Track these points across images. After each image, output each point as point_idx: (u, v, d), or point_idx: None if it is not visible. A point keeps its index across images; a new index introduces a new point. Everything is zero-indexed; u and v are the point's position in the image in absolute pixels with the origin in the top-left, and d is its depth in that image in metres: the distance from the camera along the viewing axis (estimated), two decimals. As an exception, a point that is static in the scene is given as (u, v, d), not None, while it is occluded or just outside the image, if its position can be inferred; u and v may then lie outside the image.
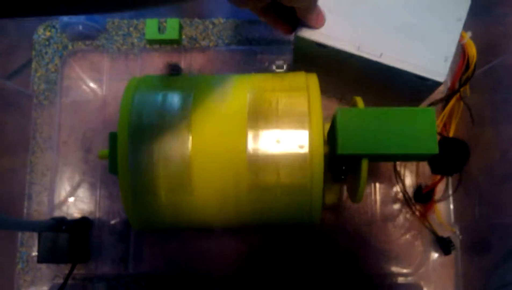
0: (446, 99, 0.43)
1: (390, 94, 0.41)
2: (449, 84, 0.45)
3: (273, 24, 0.36)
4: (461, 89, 0.42)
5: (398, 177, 0.46)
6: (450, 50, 0.36)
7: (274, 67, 0.39)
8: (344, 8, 0.37)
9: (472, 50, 0.40)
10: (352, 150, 0.32)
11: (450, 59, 0.35)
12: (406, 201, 0.45)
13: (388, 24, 0.36)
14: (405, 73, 0.35)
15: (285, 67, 0.39)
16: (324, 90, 0.47)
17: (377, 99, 0.41)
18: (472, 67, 0.41)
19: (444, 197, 0.46)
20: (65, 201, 0.47)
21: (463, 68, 0.41)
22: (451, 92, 0.43)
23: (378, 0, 0.37)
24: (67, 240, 0.42)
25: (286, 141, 0.34)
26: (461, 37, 0.37)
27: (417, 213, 0.45)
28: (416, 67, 0.35)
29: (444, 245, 0.44)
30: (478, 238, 0.43)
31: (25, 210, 0.47)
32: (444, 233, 0.45)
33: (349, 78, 0.41)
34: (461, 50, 0.41)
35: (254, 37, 0.50)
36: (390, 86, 0.39)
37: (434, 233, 0.45)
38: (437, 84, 0.35)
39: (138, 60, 0.50)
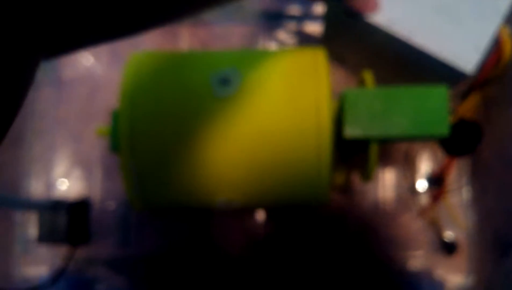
0: (465, 93, 0.41)
1: (412, 79, 0.39)
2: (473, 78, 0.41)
3: None
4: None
5: (408, 165, 0.45)
6: (484, 42, 0.33)
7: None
8: None
9: (507, 48, 0.37)
10: (360, 133, 0.31)
11: (482, 51, 0.33)
12: (411, 191, 0.45)
13: (424, 4, 0.34)
14: (431, 58, 0.33)
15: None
16: (346, 66, 0.46)
17: (396, 82, 0.39)
18: (502, 66, 0.37)
19: (457, 186, 0.45)
20: (63, 180, 0.46)
21: (493, 65, 0.38)
22: (473, 88, 0.40)
23: None
24: (66, 220, 0.41)
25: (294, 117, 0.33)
26: (499, 31, 0.35)
27: (426, 204, 0.44)
28: (444, 53, 0.33)
29: (448, 246, 0.44)
30: (491, 223, 0.42)
31: (23, 190, 0.45)
32: (453, 228, 0.44)
33: (374, 56, 0.39)
34: (496, 46, 0.36)
35: (259, 13, 0.48)
36: (413, 70, 0.37)
37: (439, 234, 0.44)
38: (463, 75, 0.33)
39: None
